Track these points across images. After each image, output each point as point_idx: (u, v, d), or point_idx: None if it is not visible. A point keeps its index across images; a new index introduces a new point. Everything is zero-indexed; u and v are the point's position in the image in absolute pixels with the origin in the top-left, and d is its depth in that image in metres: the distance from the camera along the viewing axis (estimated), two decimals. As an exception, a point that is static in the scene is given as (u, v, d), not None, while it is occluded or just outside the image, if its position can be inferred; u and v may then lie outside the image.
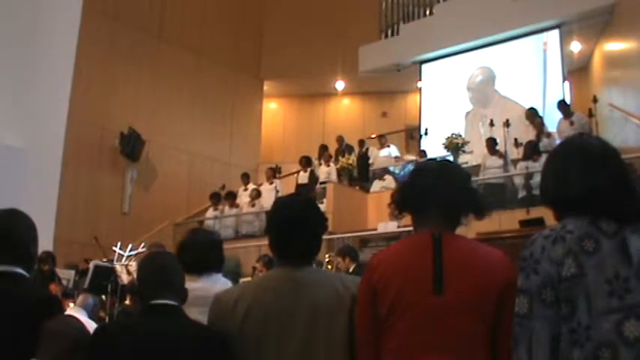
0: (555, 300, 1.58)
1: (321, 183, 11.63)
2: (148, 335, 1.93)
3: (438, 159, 2.34)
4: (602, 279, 1.56)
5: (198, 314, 2.13)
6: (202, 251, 2.86)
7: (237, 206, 12.14)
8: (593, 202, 1.64)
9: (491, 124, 11.07)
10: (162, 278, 2.05)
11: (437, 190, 1.89)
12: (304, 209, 2.08)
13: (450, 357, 1.73)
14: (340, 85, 15.75)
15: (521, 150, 9.83)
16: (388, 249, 2.03)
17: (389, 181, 11.42)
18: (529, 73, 12.66)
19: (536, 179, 9.13)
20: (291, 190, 11.07)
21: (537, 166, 9.20)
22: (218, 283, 2.81)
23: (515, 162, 9.99)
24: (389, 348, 1.79)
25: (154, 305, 2.00)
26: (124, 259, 7.79)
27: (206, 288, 2.67)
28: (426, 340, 1.75)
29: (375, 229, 9.95)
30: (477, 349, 1.75)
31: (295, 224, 2.02)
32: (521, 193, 9.41)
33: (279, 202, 2.20)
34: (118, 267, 7.39)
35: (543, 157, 9.21)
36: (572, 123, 9.81)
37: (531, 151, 9.35)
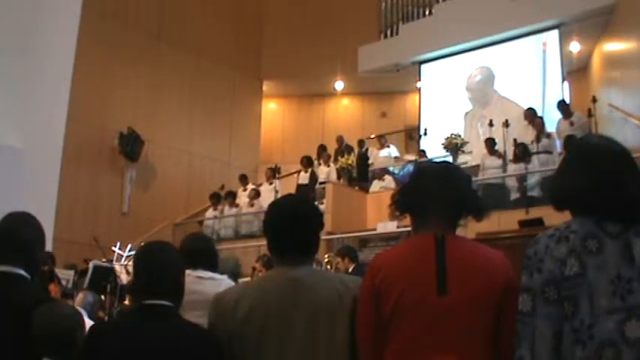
0: (558, 298, 1.60)
1: (321, 183, 11.63)
2: (138, 337, 1.90)
3: (439, 161, 2.36)
4: (605, 279, 1.57)
5: (197, 318, 2.10)
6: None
7: (237, 206, 12.16)
8: (595, 203, 1.65)
9: (491, 124, 11.08)
10: (156, 278, 1.98)
11: (438, 193, 1.91)
12: (301, 208, 2.08)
13: (453, 356, 1.74)
14: (340, 85, 15.76)
15: (520, 150, 9.83)
16: (391, 250, 2.05)
17: (388, 181, 11.42)
18: (528, 74, 12.67)
19: (530, 181, 9.15)
20: (291, 190, 11.07)
21: (531, 167, 9.24)
22: (221, 287, 2.81)
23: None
24: (392, 348, 1.80)
25: (147, 306, 1.96)
26: (123, 259, 7.80)
27: (208, 292, 2.68)
28: (430, 339, 1.76)
29: (375, 230, 9.95)
30: (480, 349, 1.77)
31: (293, 223, 2.01)
32: (514, 195, 9.43)
33: (276, 203, 2.20)
34: (117, 267, 7.39)
35: (534, 159, 9.24)
36: (571, 123, 9.83)
37: (523, 153, 9.35)
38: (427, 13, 14.08)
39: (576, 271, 1.59)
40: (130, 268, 6.96)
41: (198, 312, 2.32)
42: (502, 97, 13.01)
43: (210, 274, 2.96)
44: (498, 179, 9.93)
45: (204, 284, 2.84)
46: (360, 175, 12.03)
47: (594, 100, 9.87)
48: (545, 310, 1.61)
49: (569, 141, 8.16)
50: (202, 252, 3.05)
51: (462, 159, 11.21)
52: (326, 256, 7.42)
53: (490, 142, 10.33)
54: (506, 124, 10.40)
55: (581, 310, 1.57)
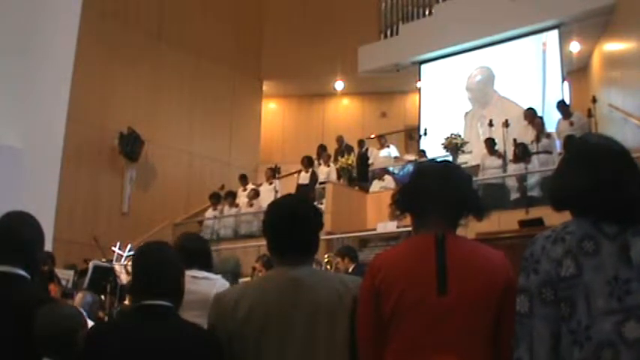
0: (555, 299, 1.60)
1: (321, 183, 11.63)
2: (137, 337, 1.90)
3: (439, 160, 2.36)
4: (602, 280, 1.56)
5: (194, 318, 2.11)
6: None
7: (236, 206, 12.17)
8: (595, 203, 1.64)
9: (491, 124, 11.08)
10: (155, 278, 1.97)
11: (438, 192, 1.90)
12: (301, 208, 2.08)
13: (453, 356, 1.74)
14: (340, 85, 15.76)
15: (520, 150, 9.83)
16: (391, 250, 2.04)
17: (388, 181, 11.42)
18: (528, 74, 12.67)
19: (530, 181, 9.15)
20: (291, 190, 11.07)
21: (531, 167, 9.25)
22: (216, 286, 2.82)
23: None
24: (392, 348, 1.80)
25: (146, 306, 1.95)
26: (123, 259, 7.80)
27: (203, 292, 2.68)
28: (430, 339, 1.76)
29: (375, 230, 9.95)
30: (480, 349, 1.77)
31: (293, 223, 2.01)
32: (514, 195, 9.43)
33: (276, 203, 2.20)
34: (117, 267, 7.39)
35: (534, 159, 9.24)
36: (571, 123, 9.83)
37: (523, 153, 9.35)
38: (427, 13, 14.09)
39: (572, 272, 1.58)
40: (130, 268, 6.96)
41: (195, 312, 2.32)
42: (502, 97, 13.01)
43: (204, 273, 2.98)
44: (498, 179, 9.93)
45: (199, 284, 2.85)
46: (360, 175, 12.03)
47: (594, 100, 9.87)
48: (543, 310, 1.61)
49: (568, 141, 8.16)
50: (197, 251, 3.05)
51: (462, 159, 11.21)
52: (326, 256, 7.42)
53: (490, 142, 10.34)
54: (506, 124, 10.40)
55: (578, 311, 1.56)
